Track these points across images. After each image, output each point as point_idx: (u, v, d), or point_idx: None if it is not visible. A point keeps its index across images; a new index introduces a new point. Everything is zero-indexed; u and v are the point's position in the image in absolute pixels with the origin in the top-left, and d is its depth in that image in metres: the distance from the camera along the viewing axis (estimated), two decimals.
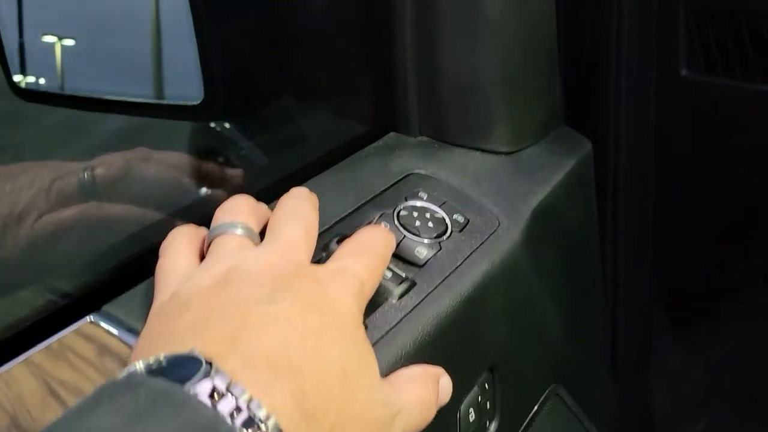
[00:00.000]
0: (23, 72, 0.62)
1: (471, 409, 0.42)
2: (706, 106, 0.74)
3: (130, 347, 0.34)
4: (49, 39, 0.60)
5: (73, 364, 0.33)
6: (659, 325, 0.85)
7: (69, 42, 0.60)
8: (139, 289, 0.37)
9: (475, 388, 0.43)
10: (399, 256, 0.42)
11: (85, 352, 0.34)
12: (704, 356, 0.86)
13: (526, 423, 0.51)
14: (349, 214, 0.45)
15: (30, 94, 0.62)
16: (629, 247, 0.77)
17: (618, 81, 0.70)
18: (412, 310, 0.39)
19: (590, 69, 0.71)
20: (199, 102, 0.53)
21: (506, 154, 0.53)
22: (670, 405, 0.87)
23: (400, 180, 0.49)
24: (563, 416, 0.56)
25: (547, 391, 0.52)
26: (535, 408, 0.51)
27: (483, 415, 0.44)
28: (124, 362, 0.33)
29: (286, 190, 0.46)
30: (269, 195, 0.46)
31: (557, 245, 0.54)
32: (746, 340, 0.82)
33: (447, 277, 0.42)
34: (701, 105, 0.74)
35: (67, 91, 0.61)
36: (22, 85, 0.62)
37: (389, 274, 0.40)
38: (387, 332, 0.37)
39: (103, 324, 0.35)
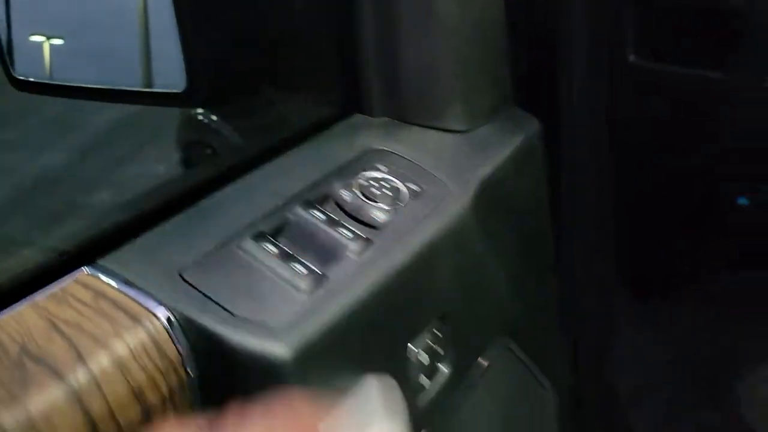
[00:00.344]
0: (14, 63, 0.67)
1: (423, 352, 0.48)
2: (655, 90, 0.79)
3: (121, 292, 0.39)
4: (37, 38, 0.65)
5: (73, 306, 0.38)
6: (621, 306, 0.89)
7: (58, 42, 0.65)
8: (128, 246, 0.43)
9: (427, 333, 0.48)
10: (358, 219, 0.48)
11: (82, 296, 0.39)
12: (664, 336, 0.90)
13: (480, 375, 0.57)
14: (315, 183, 0.50)
15: (23, 84, 0.67)
16: (587, 229, 0.82)
17: (570, 65, 0.75)
18: (368, 263, 0.45)
19: (544, 53, 0.75)
20: (182, 89, 0.58)
21: (460, 132, 0.59)
22: (631, 383, 0.91)
23: (362, 155, 0.54)
24: (515, 368, 0.61)
25: (496, 342, 0.58)
26: (487, 360, 0.57)
27: (435, 358, 0.49)
28: (115, 304, 0.38)
29: (261, 163, 0.52)
30: (244, 168, 0.51)
31: (506, 214, 0.59)
32: (705, 322, 0.86)
33: (402, 236, 0.47)
34: (650, 90, 0.79)
35: (58, 81, 0.66)
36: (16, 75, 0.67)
37: (350, 235, 0.46)
38: (346, 282, 0.43)
39: (97, 274, 0.41)
